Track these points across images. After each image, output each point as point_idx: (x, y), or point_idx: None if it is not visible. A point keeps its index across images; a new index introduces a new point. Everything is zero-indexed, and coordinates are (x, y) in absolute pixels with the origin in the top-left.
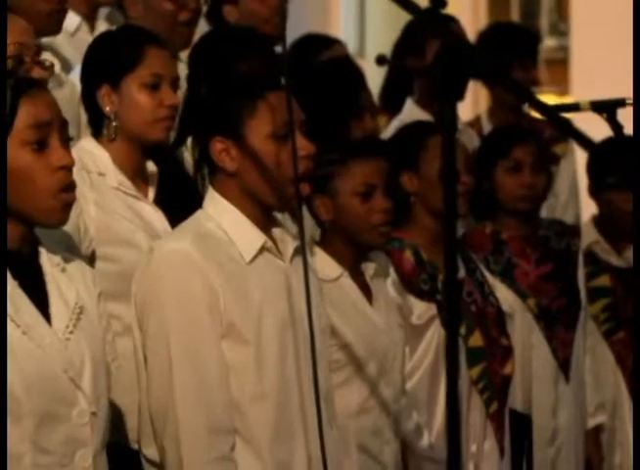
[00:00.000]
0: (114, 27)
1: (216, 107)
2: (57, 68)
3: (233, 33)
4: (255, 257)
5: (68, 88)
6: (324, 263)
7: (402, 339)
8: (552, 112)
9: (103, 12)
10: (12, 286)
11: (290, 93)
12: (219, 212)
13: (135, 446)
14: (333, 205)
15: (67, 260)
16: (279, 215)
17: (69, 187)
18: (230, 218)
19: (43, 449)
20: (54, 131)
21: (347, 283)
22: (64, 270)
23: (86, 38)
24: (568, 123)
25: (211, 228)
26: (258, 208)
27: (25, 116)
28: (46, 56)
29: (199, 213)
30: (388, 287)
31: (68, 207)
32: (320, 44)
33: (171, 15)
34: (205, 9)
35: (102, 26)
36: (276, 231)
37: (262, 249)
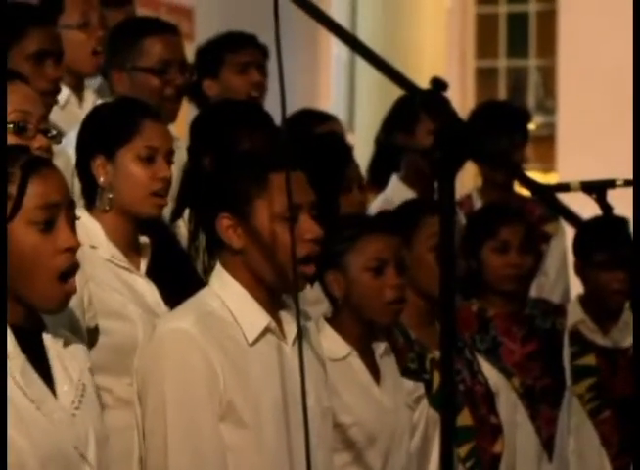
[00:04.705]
0: (108, 99)
1: (224, 183)
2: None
3: (238, 108)
4: (258, 338)
5: (63, 159)
6: (332, 342)
7: (410, 420)
8: (544, 190)
9: (93, 84)
10: (22, 360)
11: (289, 175)
12: (225, 290)
13: None
14: (345, 280)
15: (68, 337)
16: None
17: (72, 270)
18: (235, 297)
19: None
20: (61, 212)
21: (355, 362)
22: (65, 346)
23: (75, 110)
24: (557, 201)
25: (215, 307)
26: (264, 287)
27: (35, 196)
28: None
29: (205, 290)
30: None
31: (67, 296)
32: (315, 119)
33: (157, 90)
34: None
35: (90, 98)
36: (282, 312)
37: (266, 330)
